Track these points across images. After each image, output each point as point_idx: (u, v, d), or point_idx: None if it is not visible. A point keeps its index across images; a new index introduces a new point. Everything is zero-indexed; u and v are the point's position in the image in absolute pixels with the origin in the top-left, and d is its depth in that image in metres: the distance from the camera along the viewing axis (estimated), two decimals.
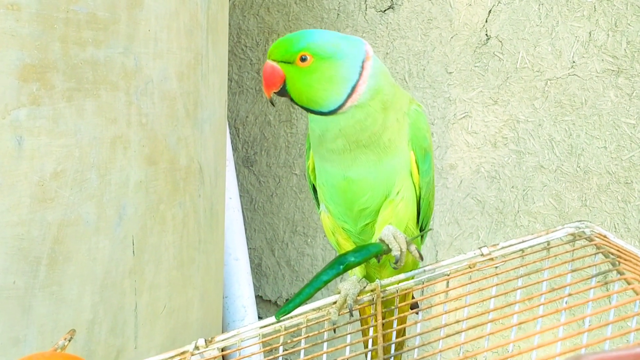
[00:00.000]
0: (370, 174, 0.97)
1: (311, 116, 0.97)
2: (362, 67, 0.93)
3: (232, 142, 2.03)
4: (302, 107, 0.95)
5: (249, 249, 2.06)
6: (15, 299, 1.06)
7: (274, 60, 0.93)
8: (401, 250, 0.91)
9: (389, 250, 0.92)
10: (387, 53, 1.85)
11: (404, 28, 1.84)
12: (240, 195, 2.03)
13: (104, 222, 1.15)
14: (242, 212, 1.93)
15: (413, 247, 0.93)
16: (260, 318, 2.03)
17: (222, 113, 1.48)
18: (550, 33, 1.71)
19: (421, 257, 0.94)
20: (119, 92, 1.14)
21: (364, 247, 0.91)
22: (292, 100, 0.95)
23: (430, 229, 1.03)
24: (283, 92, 0.95)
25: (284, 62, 0.93)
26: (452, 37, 1.80)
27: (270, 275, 2.09)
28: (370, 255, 0.91)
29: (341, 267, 0.87)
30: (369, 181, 0.97)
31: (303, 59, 0.91)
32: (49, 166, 1.07)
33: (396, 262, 0.91)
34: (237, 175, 2.02)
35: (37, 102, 1.04)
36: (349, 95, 0.92)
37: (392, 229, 0.93)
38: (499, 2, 1.74)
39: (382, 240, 0.93)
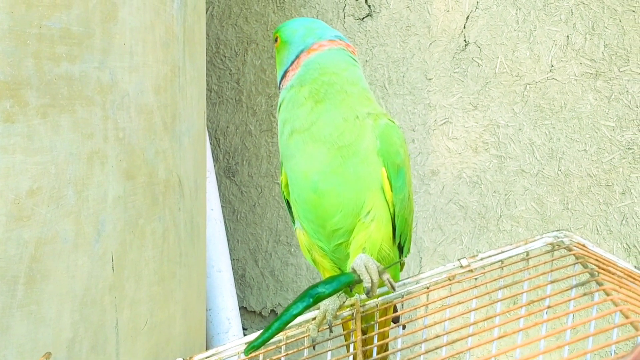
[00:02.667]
0: (339, 183, 0.95)
1: None
2: (298, 57, 1.02)
3: (213, 152, 2.02)
4: None
5: (232, 260, 2.05)
6: None
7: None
8: (372, 282, 0.90)
9: (361, 280, 0.91)
10: (366, 61, 1.85)
11: (382, 35, 1.84)
12: (223, 206, 2.02)
13: (82, 238, 1.13)
14: (225, 223, 1.92)
15: (385, 277, 0.91)
16: (244, 329, 2.02)
17: (201, 125, 1.47)
18: (528, 38, 1.71)
19: (393, 288, 0.92)
20: (94, 107, 1.13)
21: (335, 277, 0.89)
22: None
23: (401, 261, 1.02)
24: None
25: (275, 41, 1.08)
26: (430, 44, 1.80)
27: (255, 286, 2.07)
28: (342, 286, 0.89)
29: (311, 299, 0.86)
30: (338, 195, 0.95)
31: (276, 40, 1.07)
32: (24, 184, 1.05)
33: (367, 293, 0.90)
34: (219, 186, 2.01)
35: (11, 119, 1.03)
36: (282, 78, 1.04)
37: (364, 258, 0.92)
38: (477, 8, 1.75)
39: (354, 270, 0.92)
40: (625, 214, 1.67)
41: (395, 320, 1.05)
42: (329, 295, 0.87)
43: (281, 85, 1.03)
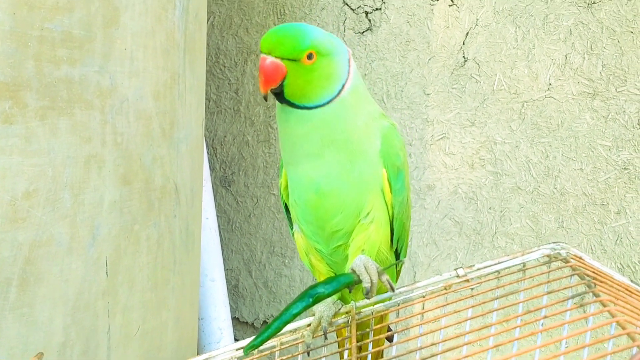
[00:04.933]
0: (342, 185, 0.95)
1: (284, 114, 0.95)
2: (349, 64, 0.95)
3: (209, 162, 2.02)
4: (288, 102, 0.94)
5: (226, 269, 2.05)
6: None
7: (277, 57, 0.91)
8: (372, 282, 0.90)
9: (360, 281, 0.91)
10: (365, 74, 1.86)
11: (382, 50, 1.85)
12: (218, 216, 2.02)
13: (77, 242, 1.13)
14: (219, 232, 1.92)
15: (385, 278, 0.91)
16: (236, 340, 2.01)
17: (199, 133, 1.47)
18: (526, 56, 1.72)
19: (392, 289, 0.92)
20: (93, 111, 1.13)
21: (335, 278, 0.89)
22: (278, 94, 0.93)
23: (401, 262, 1.02)
24: (279, 88, 0.93)
25: (289, 60, 0.91)
26: (429, 59, 1.81)
27: (247, 296, 2.07)
28: (341, 286, 0.89)
29: (311, 299, 0.86)
30: (340, 196, 0.95)
31: (309, 57, 0.91)
32: (21, 185, 1.05)
33: (367, 294, 0.90)
34: (215, 196, 2.01)
35: (9, 120, 1.03)
36: (340, 91, 0.94)
37: (364, 259, 0.92)
38: (476, 25, 1.76)
39: (353, 271, 0.92)
40: (619, 233, 1.67)
41: (389, 338, 1.05)
42: (329, 295, 0.86)
43: (336, 97, 0.94)
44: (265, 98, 0.95)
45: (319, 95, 0.93)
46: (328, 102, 0.93)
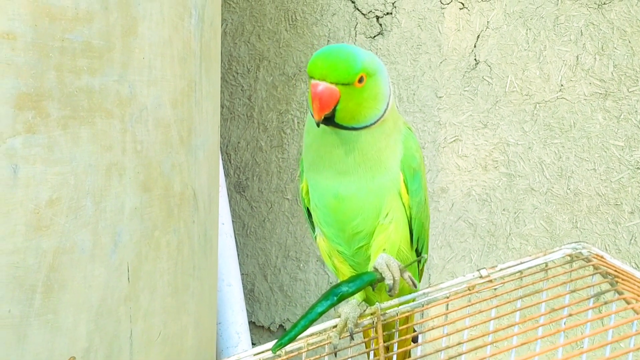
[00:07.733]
0: (360, 191, 0.96)
1: (322, 131, 0.94)
2: (389, 81, 0.96)
3: (224, 168, 2.04)
4: (336, 124, 0.93)
5: (242, 274, 2.06)
6: (10, 327, 1.05)
7: (332, 83, 0.89)
8: (394, 279, 0.91)
9: (383, 278, 0.92)
10: None
11: (393, 54, 1.86)
12: (233, 221, 2.03)
13: (99, 249, 1.14)
14: (235, 237, 1.93)
15: (407, 275, 0.93)
16: (253, 344, 2.02)
17: (215, 139, 1.48)
18: (538, 57, 1.73)
19: (414, 285, 0.94)
20: (113, 119, 1.15)
21: (358, 276, 0.91)
22: (328, 118, 0.92)
23: (424, 257, 1.02)
24: (331, 112, 0.91)
25: (343, 84, 0.90)
26: (441, 62, 1.82)
27: (263, 301, 2.08)
28: (364, 284, 0.91)
29: (335, 298, 0.87)
30: (359, 200, 0.97)
31: (360, 80, 0.90)
32: (44, 194, 1.06)
33: (390, 291, 0.92)
34: (230, 201, 2.02)
35: (32, 130, 1.04)
36: (385, 110, 0.95)
37: (385, 257, 0.94)
38: (487, 27, 1.77)
39: (375, 269, 0.93)
40: (634, 233, 1.68)
41: (414, 339, 1.06)
42: (353, 293, 0.88)
43: (382, 116, 0.95)
44: (318, 124, 0.92)
45: (367, 117, 0.93)
46: (374, 123, 0.94)
